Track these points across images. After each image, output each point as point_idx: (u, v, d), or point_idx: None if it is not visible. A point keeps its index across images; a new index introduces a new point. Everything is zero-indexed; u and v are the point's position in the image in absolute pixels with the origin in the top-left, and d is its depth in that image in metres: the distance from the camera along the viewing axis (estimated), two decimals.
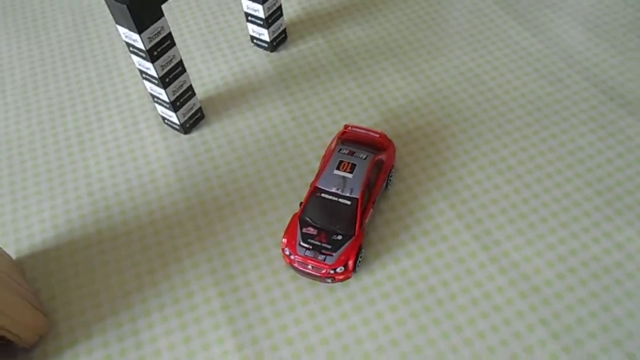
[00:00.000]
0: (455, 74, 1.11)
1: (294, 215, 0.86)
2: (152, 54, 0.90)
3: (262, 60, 1.18)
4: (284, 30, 1.19)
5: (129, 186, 0.98)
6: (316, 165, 0.99)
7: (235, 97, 1.11)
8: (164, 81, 0.95)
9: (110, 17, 1.31)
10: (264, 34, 1.16)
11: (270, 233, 0.91)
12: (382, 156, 0.90)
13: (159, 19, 0.88)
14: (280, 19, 1.16)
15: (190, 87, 1.02)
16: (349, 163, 0.87)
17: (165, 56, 0.92)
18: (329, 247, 0.82)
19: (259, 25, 1.14)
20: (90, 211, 0.96)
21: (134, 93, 1.14)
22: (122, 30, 0.88)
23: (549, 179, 0.94)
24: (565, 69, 1.09)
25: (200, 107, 1.07)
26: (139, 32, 0.85)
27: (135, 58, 0.93)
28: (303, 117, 1.06)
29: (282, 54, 1.19)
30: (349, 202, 0.84)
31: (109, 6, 0.84)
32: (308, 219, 0.85)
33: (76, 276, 0.88)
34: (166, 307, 0.84)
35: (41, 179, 1.01)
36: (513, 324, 0.78)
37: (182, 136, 1.05)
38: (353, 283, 0.84)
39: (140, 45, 0.87)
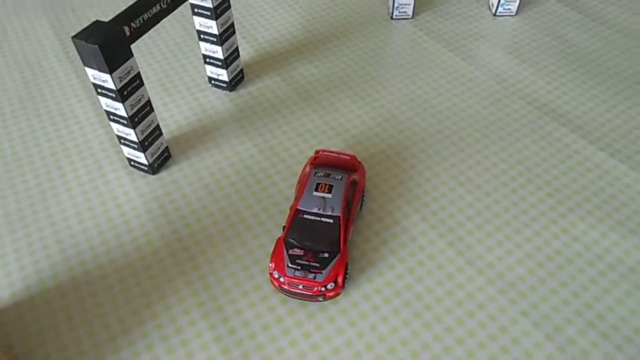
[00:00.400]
0: (406, 100, 1.19)
1: (278, 239, 0.88)
2: (122, 94, 0.90)
3: (222, 99, 1.21)
4: (241, 70, 1.24)
5: (99, 230, 0.96)
6: (289, 193, 1.02)
7: (199, 135, 1.12)
8: (133, 121, 0.95)
9: (59, 67, 1.30)
10: (223, 74, 1.19)
11: (254, 261, 0.91)
12: (356, 176, 0.94)
13: (129, 59, 0.89)
14: (238, 59, 1.21)
15: (158, 127, 1.03)
16: (326, 184, 0.91)
17: (134, 95, 0.93)
18: (317, 265, 0.84)
19: (217, 66, 1.18)
20: (60, 259, 0.92)
21: (94, 139, 1.12)
22: (91, 72, 0.88)
23: (504, 187, 1.02)
24: (501, 91, 1.21)
25: (167, 147, 1.07)
26: (110, 72, 0.86)
27: (103, 100, 0.93)
28: (270, 150, 1.09)
29: (241, 92, 1.23)
30: (331, 221, 0.87)
31: (78, 49, 0.84)
32: (293, 241, 0.87)
33: (54, 326, 0.84)
34: (155, 346, 0.81)
35: (3, 232, 0.96)
36: (498, 319, 0.83)
37: (150, 177, 1.05)
38: (343, 299, 0.86)
39: (110, 85, 0.88)
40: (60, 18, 1.46)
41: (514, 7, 1.42)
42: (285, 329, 0.83)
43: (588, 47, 1.32)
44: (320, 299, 0.84)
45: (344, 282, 0.84)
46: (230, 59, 1.18)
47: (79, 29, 1.42)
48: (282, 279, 0.84)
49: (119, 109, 0.93)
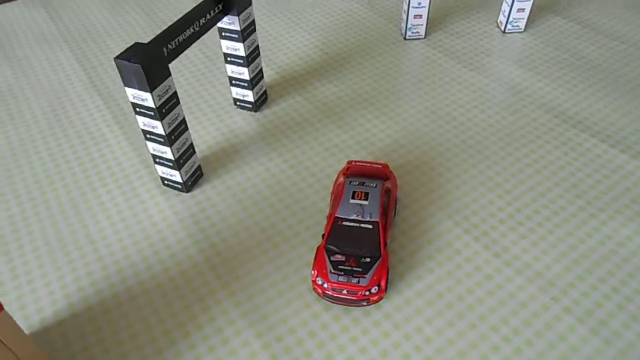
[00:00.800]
0: (428, 113, 1.23)
1: (319, 247, 0.89)
2: (161, 112, 0.93)
3: (247, 120, 1.24)
4: (265, 92, 1.28)
5: (138, 248, 0.97)
6: (322, 204, 1.03)
7: (229, 154, 1.15)
8: (170, 138, 0.98)
9: (85, 93, 1.34)
10: (249, 95, 1.23)
11: (294, 270, 0.92)
12: (389, 184, 0.97)
13: (167, 77, 0.92)
14: (262, 80, 1.25)
15: (192, 145, 1.05)
16: (362, 192, 0.93)
17: (171, 114, 0.96)
18: (360, 269, 0.85)
19: (243, 87, 1.22)
20: (102, 276, 0.93)
21: (126, 161, 1.15)
22: (131, 91, 0.91)
23: (532, 191, 1.04)
24: (519, 101, 1.25)
25: (199, 165, 1.09)
26: (151, 91, 0.89)
27: (141, 119, 0.96)
28: (299, 165, 1.12)
29: (266, 112, 1.26)
30: (370, 226, 0.89)
31: (120, 69, 0.88)
32: (333, 247, 0.88)
33: (100, 342, 0.84)
34: (202, 357, 0.81)
35: (41, 253, 0.97)
36: (541, 316, 0.84)
37: (184, 195, 1.07)
38: (385, 304, 0.87)
39: (150, 103, 0.91)
40: (82, 47, 1.50)
41: (522, 24, 1.47)
42: (332, 334, 0.83)
43: (597, 58, 1.37)
44: (364, 303, 0.84)
45: (386, 286, 0.85)
46: (256, 80, 1.21)
47: (101, 56, 1.46)
48: (325, 285, 0.85)
49: (157, 127, 0.95)
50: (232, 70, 1.19)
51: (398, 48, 1.45)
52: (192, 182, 1.08)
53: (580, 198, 1.02)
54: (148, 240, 0.98)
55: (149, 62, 0.87)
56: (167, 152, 1.00)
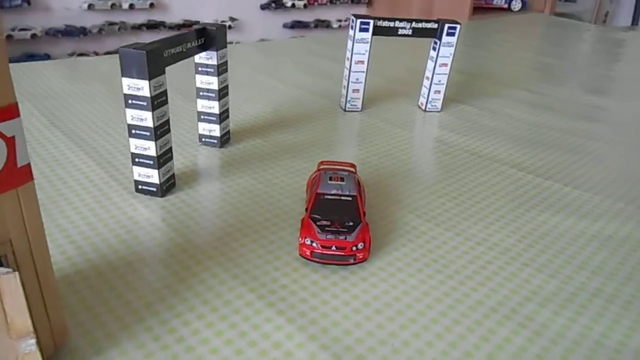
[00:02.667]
0: (372, 156, 1.40)
1: (303, 218, 0.95)
2: (154, 103, 1.01)
3: (213, 153, 1.33)
4: (229, 131, 1.39)
5: (115, 234, 0.96)
6: (296, 207, 1.10)
7: (198, 175, 1.21)
8: (156, 133, 1.04)
9: (45, 129, 1.36)
10: (215, 130, 1.34)
11: (278, 247, 0.96)
12: (358, 177, 1.08)
13: (162, 74, 1.03)
14: (228, 120, 1.37)
15: (171, 149, 1.11)
16: (338, 177, 1.04)
17: (161, 109, 1.04)
18: (345, 230, 0.92)
19: (211, 122, 1.33)
20: (76, 254, 0.89)
21: (94, 176, 1.16)
22: (128, 81, 1.00)
23: (472, 196, 1.20)
24: (445, 148, 1.48)
25: (174, 173, 1.14)
26: (149, 79, 0.98)
27: (130, 112, 1.03)
28: (268, 181, 1.20)
29: (230, 149, 1.36)
30: (350, 198, 0.98)
31: (123, 58, 0.97)
32: (317, 216, 0.94)
33: (94, 295, 0.79)
34: (197, 307, 0.79)
35: None
36: (507, 268, 0.94)
37: (159, 199, 1.09)
38: (368, 266, 0.92)
39: (145, 92, 0.99)
40: (41, 101, 1.55)
41: (439, 104, 1.78)
42: (323, 287, 0.86)
43: (494, 125, 1.68)
44: (352, 260, 0.90)
45: (370, 247, 0.92)
46: (223, 116, 1.34)
47: (60, 107, 1.51)
48: (314, 244, 0.89)
49: (146, 119, 1.02)
50: (203, 105, 1.31)
51: (339, 116, 1.67)
52: (167, 187, 1.11)
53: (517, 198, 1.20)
54: (129, 234, 0.97)
55: (151, 53, 0.98)
56: (150, 148, 1.05)
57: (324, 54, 2.52)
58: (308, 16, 5.70)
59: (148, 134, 1.04)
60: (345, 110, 1.73)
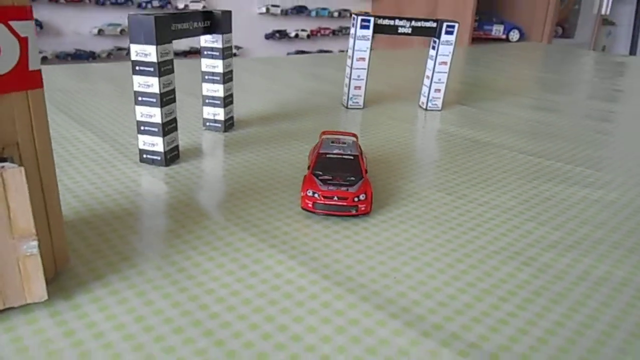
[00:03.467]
0: (378, 138, 1.42)
1: (305, 176, 0.96)
2: (160, 69, 1.04)
3: (217, 137, 1.35)
4: (233, 117, 1.42)
5: (123, 195, 0.97)
6: (299, 176, 1.11)
7: (203, 153, 1.22)
8: (162, 100, 1.07)
9: (57, 117, 1.39)
10: (219, 114, 1.36)
11: (280, 205, 0.96)
12: (360, 145, 1.09)
13: (169, 43, 1.06)
14: (232, 105, 1.40)
15: (175, 120, 1.13)
16: (340, 140, 1.05)
17: (166, 77, 1.07)
18: (347, 183, 0.92)
19: (215, 105, 1.36)
20: (79, 206, 0.90)
21: (100, 149, 1.18)
22: (136, 48, 1.03)
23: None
24: (446, 136, 1.49)
25: (178, 145, 1.16)
26: (156, 44, 1.02)
27: (137, 78, 1.05)
28: (270, 157, 1.22)
29: (234, 133, 1.38)
30: (352, 157, 0.99)
31: (131, 24, 1.01)
32: (319, 172, 0.95)
33: (97, 236, 0.79)
34: (199, 247, 0.79)
35: None
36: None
37: (163, 168, 1.10)
38: (370, 219, 0.92)
39: (152, 58, 1.03)
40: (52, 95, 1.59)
41: (439, 103, 1.81)
42: (326, 234, 0.86)
43: (493, 120, 1.70)
44: (354, 211, 0.90)
45: (371, 199, 0.92)
46: (227, 100, 1.37)
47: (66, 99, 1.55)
48: (316, 195, 0.90)
49: (153, 85, 1.05)
50: (208, 88, 1.35)
51: (342, 112, 1.70)
52: (171, 158, 1.13)
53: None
54: (128, 189, 0.99)
55: (159, 20, 1.02)
56: (155, 115, 1.07)
57: (327, 65, 2.58)
58: (311, 46, 5.86)
59: (154, 100, 1.06)
60: (347, 108, 1.76)
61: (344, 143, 1.04)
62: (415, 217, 0.94)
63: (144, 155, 1.12)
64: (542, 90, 2.33)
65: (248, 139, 1.34)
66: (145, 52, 1.03)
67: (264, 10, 5.21)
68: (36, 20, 4.01)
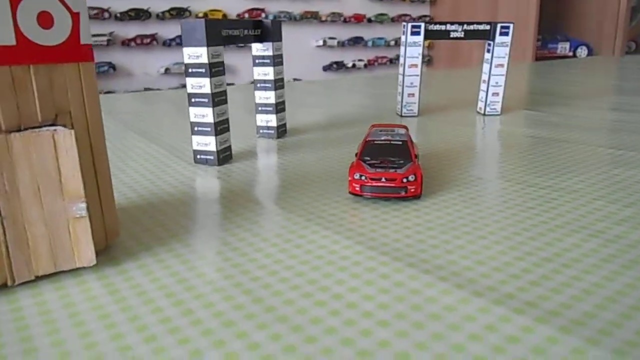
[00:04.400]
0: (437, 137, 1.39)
1: (352, 163, 0.94)
2: (211, 70, 1.08)
3: (270, 143, 1.37)
4: (285, 124, 1.44)
5: (176, 189, 0.99)
6: (345, 172, 1.10)
7: (256, 155, 1.24)
8: (214, 100, 1.10)
9: (122, 132, 1.47)
10: (272, 120, 1.39)
11: (329, 192, 0.95)
12: (410, 135, 1.07)
13: (220, 45, 1.11)
14: (284, 112, 1.42)
15: (228, 120, 1.16)
16: (389, 129, 1.03)
17: (218, 78, 1.11)
18: (395, 166, 0.90)
19: (268, 112, 1.39)
20: (140, 200, 0.93)
21: (155, 153, 1.23)
22: (188, 51, 1.08)
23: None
24: (506, 136, 1.43)
25: (230, 146, 1.18)
26: (207, 46, 1.06)
27: (190, 81, 1.10)
28: (322, 156, 1.21)
29: (287, 139, 1.40)
30: (400, 143, 0.97)
31: (184, 29, 1.06)
32: (367, 158, 0.94)
33: (149, 218, 0.81)
34: (245, 225, 0.79)
35: None
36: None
37: (217, 167, 1.13)
38: (421, 202, 0.89)
39: (204, 59, 1.07)
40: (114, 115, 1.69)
41: (498, 107, 1.75)
42: (374, 215, 0.83)
43: (578, 122, 1.61)
44: (403, 192, 0.87)
45: (422, 183, 0.88)
46: (280, 107, 1.39)
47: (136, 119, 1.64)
48: (364, 177, 0.88)
49: (205, 85, 1.09)
50: (260, 96, 1.38)
51: (396, 119, 1.69)
52: (223, 157, 1.15)
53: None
54: (182, 184, 1.01)
55: (209, 23, 1.06)
56: (207, 115, 1.11)
57: (383, 86, 2.59)
58: (368, 75, 5.92)
59: (206, 100, 1.10)
60: (401, 116, 1.74)
61: (393, 131, 1.02)
62: (470, 200, 0.89)
63: (198, 156, 1.15)
64: (618, 95, 2.20)
65: (300, 143, 1.35)
66: (197, 54, 1.07)
67: (321, 43, 5.36)
68: (110, 63, 4.35)
